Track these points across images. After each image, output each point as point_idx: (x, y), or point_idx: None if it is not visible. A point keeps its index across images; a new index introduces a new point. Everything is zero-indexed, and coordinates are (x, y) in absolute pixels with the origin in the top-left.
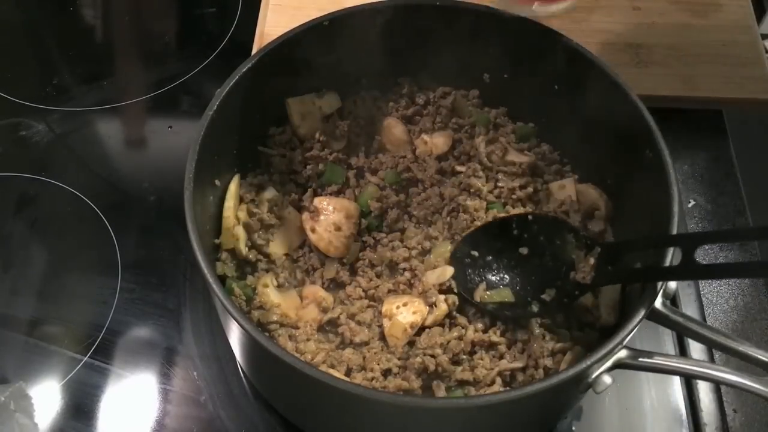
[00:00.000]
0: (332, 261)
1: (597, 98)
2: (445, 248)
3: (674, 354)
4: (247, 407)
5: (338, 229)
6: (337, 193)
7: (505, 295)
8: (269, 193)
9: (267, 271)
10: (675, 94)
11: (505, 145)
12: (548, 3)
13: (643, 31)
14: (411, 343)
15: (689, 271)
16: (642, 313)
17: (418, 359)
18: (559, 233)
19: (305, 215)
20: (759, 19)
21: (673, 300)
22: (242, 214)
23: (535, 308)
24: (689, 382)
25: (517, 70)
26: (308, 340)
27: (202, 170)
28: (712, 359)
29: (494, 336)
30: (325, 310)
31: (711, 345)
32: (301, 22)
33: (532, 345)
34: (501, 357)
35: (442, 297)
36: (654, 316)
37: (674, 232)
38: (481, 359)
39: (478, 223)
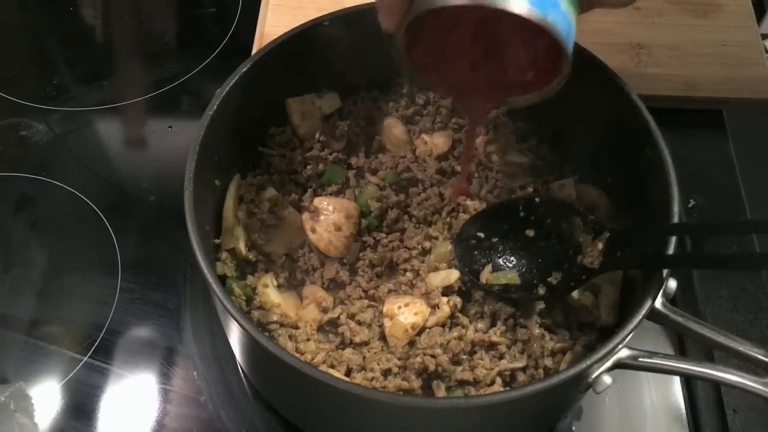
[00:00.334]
0: (332, 261)
1: (597, 98)
2: (446, 248)
3: (674, 354)
4: (247, 407)
5: (338, 229)
6: (337, 193)
7: (511, 277)
8: (269, 193)
9: (267, 271)
10: (675, 94)
11: (505, 145)
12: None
13: (643, 31)
14: (411, 343)
15: (697, 260)
16: (642, 313)
17: (418, 359)
18: (566, 217)
19: (305, 215)
20: (759, 19)
21: (673, 300)
22: (242, 214)
23: (541, 291)
24: (689, 382)
25: None
26: (308, 340)
27: (202, 170)
28: (712, 359)
29: (494, 336)
30: (325, 310)
31: (711, 345)
32: (301, 22)
33: (532, 345)
34: (501, 357)
35: (444, 299)
36: (654, 316)
37: (672, 242)
38: (481, 359)
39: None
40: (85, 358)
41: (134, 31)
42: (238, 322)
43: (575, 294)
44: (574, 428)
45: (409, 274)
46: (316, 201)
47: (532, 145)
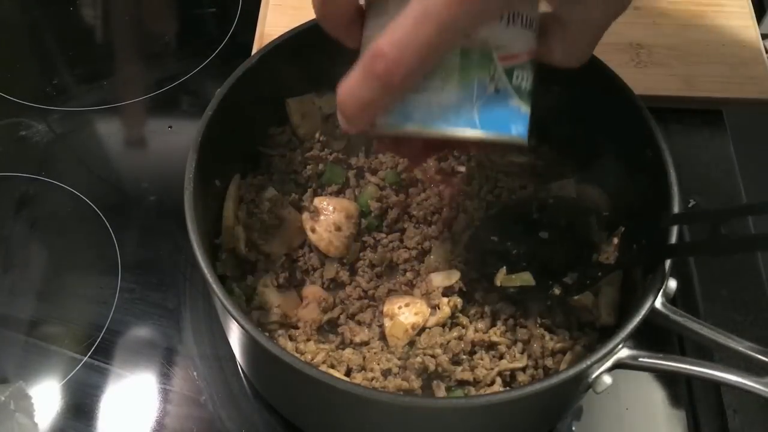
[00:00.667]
0: (332, 261)
1: (597, 98)
2: (446, 249)
3: (674, 354)
4: (247, 407)
5: (338, 229)
6: (337, 193)
7: (526, 279)
8: (269, 193)
9: (267, 271)
10: (675, 94)
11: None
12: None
13: (643, 31)
14: (411, 343)
15: (718, 245)
16: (642, 313)
17: (418, 359)
18: (580, 216)
19: (305, 215)
20: (759, 19)
21: (673, 300)
22: (242, 214)
23: (557, 291)
24: (689, 382)
25: None
26: (308, 340)
27: (202, 170)
28: (712, 359)
29: (494, 336)
30: (325, 310)
31: (711, 345)
32: (301, 22)
33: (532, 345)
34: (501, 357)
35: (445, 300)
36: (654, 316)
37: (674, 232)
38: (481, 359)
39: (478, 224)
40: (85, 358)
41: (134, 31)
42: (238, 322)
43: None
44: (574, 428)
45: (409, 274)
46: (316, 201)
47: (532, 145)
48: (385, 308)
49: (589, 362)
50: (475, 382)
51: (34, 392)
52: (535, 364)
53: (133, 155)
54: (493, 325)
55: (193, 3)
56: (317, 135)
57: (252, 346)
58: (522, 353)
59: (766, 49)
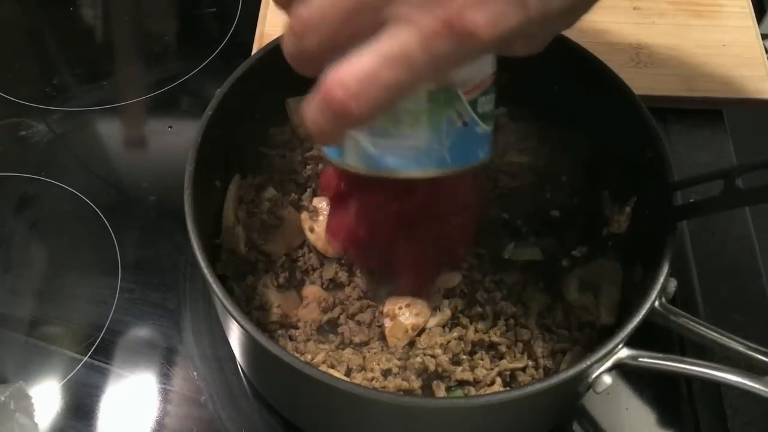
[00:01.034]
0: (331, 261)
1: (597, 98)
2: None
3: (674, 354)
4: (247, 407)
5: None
6: None
7: (534, 253)
8: (269, 193)
9: (266, 271)
10: (675, 94)
11: (505, 145)
12: None
13: (643, 31)
14: (411, 343)
15: (735, 198)
16: (642, 313)
17: (418, 359)
18: (593, 192)
19: (304, 215)
20: (759, 19)
21: (673, 300)
22: (242, 214)
23: (565, 263)
24: (689, 382)
25: (517, 71)
26: (308, 340)
27: (202, 170)
28: (712, 359)
29: (494, 336)
30: (325, 311)
31: (711, 345)
32: None
33: (532, 345)
34: (501, 357)
35: (446, 302)
36: (654, 316)
37: (674, 235)
38: (482, 359)
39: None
40: (85, 358)
41: (134, 31)
42: (238, 322)
43: (575, 294)
44: (574, 428)
45: None
46: (315, 201)
47: (532, 145)
48: (386, 308)
49: (589, 362)
50: (475, 382)
51: (34, 392)
52: (535, 364)
53: (133, 155)
54: (493, 325)
55: (193, 3)
56: None
57: (252, 346)
58: (522, 353)
59: (766, 49)
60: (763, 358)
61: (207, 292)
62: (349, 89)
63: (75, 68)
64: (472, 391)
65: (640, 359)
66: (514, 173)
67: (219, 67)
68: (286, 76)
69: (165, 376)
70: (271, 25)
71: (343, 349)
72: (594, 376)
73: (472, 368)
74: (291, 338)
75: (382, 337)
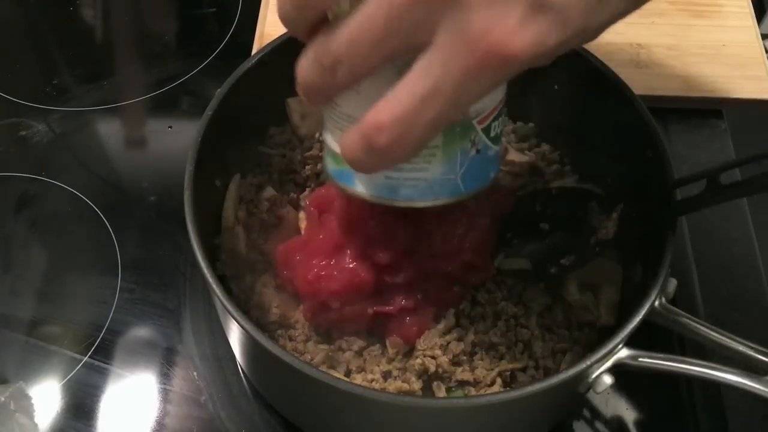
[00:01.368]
0: None
1: (597, 98)
2: None
3: (674, 354)
4: (247, 407)
5: None
6: None
7: (523, 263)
8: (268, 193)
9: (266, 270)
10: (675, 94)
11: (505, 145)
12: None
13: (643, 31)
14: (411, 348)
15: (717, 194)
16: (642, 313)
17: (418, 360)
18: (582, 204)
19: (301, 214)
20: (759, 19)
21: (673, 300)
22: (242, 214)
23: (553, 271)
24: (689, 382)
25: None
26: (307, 340)
27: (202, 170)
28: (712, 359)
29: (494, 337)
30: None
31: (711, 345)
32: None
33: (532, 345)
34: (501, 357)
35: (451, 310)
36: (654, 316)
37: (674, 232)
38: (482, 360)
39: None
40: (85, 358)
41: (134, 31)
42: (239, 322)
43: (575, 294)
44: (574, 428)
45: None
46: None
47: (532, 145)
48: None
49: (589, 362)
50: (476, 383)
51: (34, 392)
52: (535, 365)
53: (133, 155)
54: (493, 325)
55: (193, 3)
56: (317, 135)
57: (252, 346)
58: (522, 353)
59: (766, 49)
60: (763, 358)
61: (207, 292)
62: (391, 133)
63: (75, 68)
64: (473, 391)
65: (640, 359)
66: (514, 173)
67: (219, 67)
68: (286, 76)
69: (165, 376)
70: (271, 25)
71: (344, 352)
72: (594, 376)
73: (472, 369)
74: (290, 338)
75: (382, 341)
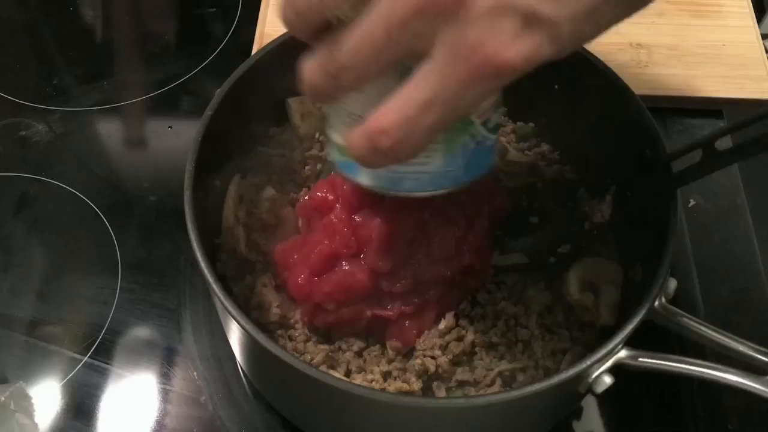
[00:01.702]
0: None
1: (597, 98)
2: None
3: (674, 354)
4: (247, 407)
5: None
6: None
7: (519, 257)
8: (268, 193)
9: (266, 270)
10: (675, 94)
11: (505, 145)
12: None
13: (643, 31)
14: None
15: (714, 161)
16: (642, 313)
17: (418, 361)
18: (570, 193)
19: None
20: (759, 19)
21: (673, 300)
22: (242, 214)
23: (552, 261)
24: (689, 381)
25: None
26: (307, 341)
27: (202, 170)
28: (712, 359)
29: (494, 337)
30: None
31: (711, 345)
32: None
33: (532, 345)
34: (501, 358)
35: (452, 312)
36: (654, 316)
37: (674, 232)
38: (482, 360)
39: None
40: (85, 358)
41: (134, 31)
42: (239, 323)
43: (575, 294)
44: (574, 428)
45: None
46: None
47: (532, 145)
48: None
49: (589, 362)
50: (476, 383)
51: (34, 392)
52: (535, 365)
53: (133, 155)
54: (493, 325)
55: (193, 3)
56: (317, 135)
57: (252, 346)
58: (522, 353)
59: (766, 49)
60: (763, 358)
61: (207, 292)
62: (394, 137)
63: (75, 68)
64: (473, 391)
65: (640, 359)
66: (514, 173)
67: (219, 67)
68: (286, 76)
69: (165, 376)
70: (271, 25)
71: (344, 352)
72: (594, 376)
73: (472, 369)
74: (290, 338)
75: (381, 341)
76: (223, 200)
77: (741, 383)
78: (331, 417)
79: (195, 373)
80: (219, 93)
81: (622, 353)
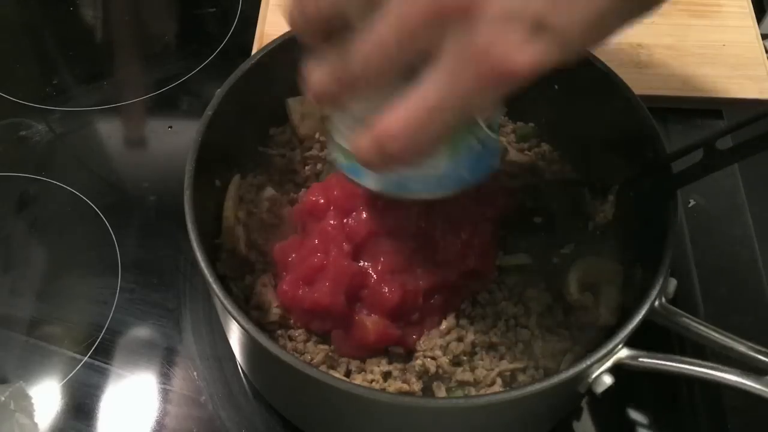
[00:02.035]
0: None
1: (597, 98)
2: None
3: (674, 354)
4: (247, 407)
5: None
6: None
7: (523, 258)
8: (268, 193)
9: (266, 270)
10: (675, 94)
11: (505, 145)
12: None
13: (643, 31)
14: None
15: (715, 161)
16: (642, 313)
17: (419, 361)
18: (573, 193)
19: None
20: (759, 19)
21: (673, 300)
22: (242, 214)
23: (555, 261)
24: (689, 381)
25: None
26: (307, 341)
27: (202, 170)
28: (712, 359)
29: (495, 337)
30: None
31: (711, 345)
32: None
33: (532, 345)
34: (501, 358)
35: (452, 313)
36: (654, 315)
37: (674, 232)
38: (482, 360)
39: None
40: (85, 358)
41: (134, 31)
42: (239, 322)
43: (576, 294)
44: (574, 428)
45: None
46: None
47: (533, 145)
48: None
49: (589, 362)
50: (476, 383)
51: (34, 392)
52: (535, 365)
53: (133, 155)
54: (493, 325)
55: (193, 3)
56: (317, 135)
57: (252, 346)
58: (522, 354)
59: (766, 49)
60: (763, 358)
61: (207, 292)
62: (401, 141)
63: (75, 68)
64: (473, 391)
65: (640, 359)
66: (514, 173)
67: (219, 67)
68: (286, 76)
69: (165, 376)
70: (271, 25)
71: None
72: (594, 376)
73: (473, 369)
74: (290, 338)
75: None
76: (223, 200)
77: (741, 383)
78: (331, 417)
79: (195, 373)
80: (219, 93)
81: (622, 353)
